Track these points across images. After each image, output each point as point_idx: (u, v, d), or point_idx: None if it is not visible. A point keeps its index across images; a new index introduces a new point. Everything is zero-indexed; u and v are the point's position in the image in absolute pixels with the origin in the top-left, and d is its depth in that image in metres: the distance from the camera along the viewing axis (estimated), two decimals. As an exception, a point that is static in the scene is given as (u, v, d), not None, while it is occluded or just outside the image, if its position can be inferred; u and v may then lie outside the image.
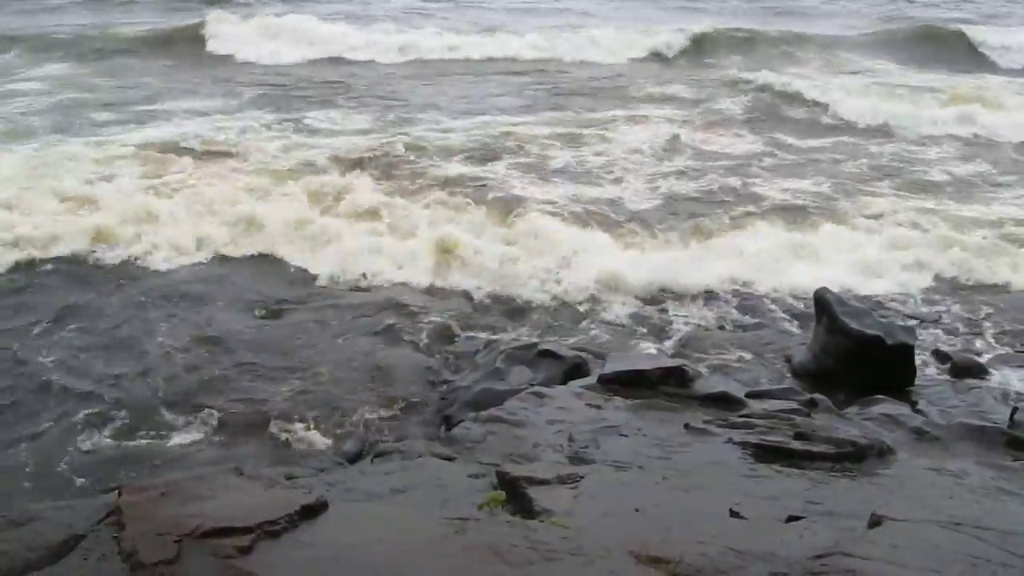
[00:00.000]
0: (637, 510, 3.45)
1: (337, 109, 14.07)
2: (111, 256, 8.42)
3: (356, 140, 12.18)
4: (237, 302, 7.75)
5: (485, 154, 11.71)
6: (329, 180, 10.17)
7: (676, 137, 12.67)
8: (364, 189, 9.89)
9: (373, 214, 9.34)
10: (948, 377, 6.60)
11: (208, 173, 10.37)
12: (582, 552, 2.94)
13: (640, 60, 19.38)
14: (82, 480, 5.29)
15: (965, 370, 6.67)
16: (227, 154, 11.23)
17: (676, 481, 3.86)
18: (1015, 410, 5.39)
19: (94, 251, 8.48)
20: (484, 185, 10.50)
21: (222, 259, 8.63)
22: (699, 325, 7.49)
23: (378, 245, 8.63)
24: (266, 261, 8.65)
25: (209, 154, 11.15)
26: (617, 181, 10.89)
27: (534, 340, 6.74)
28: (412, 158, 11.37)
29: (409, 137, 12.27)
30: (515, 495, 3.55)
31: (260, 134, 12.34)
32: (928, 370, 6.69)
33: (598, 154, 11.92)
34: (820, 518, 3.45)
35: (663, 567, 2.91)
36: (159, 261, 8.43)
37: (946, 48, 20.74)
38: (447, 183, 10.45)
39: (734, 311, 7.74)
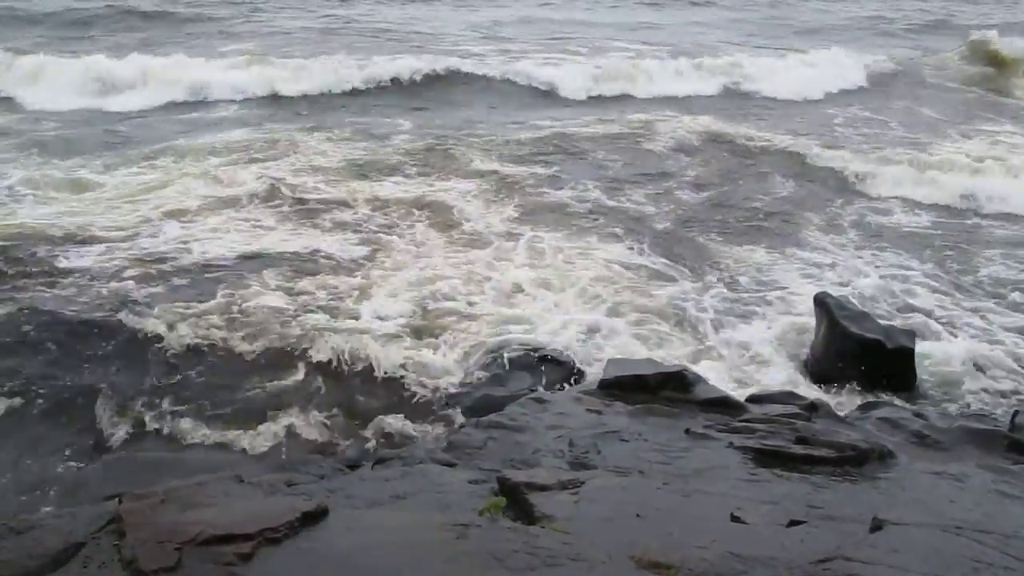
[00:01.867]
0: (638, 515, 3.44)
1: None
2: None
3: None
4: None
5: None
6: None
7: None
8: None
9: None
10: (948, 380, 6.60)
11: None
12: (583, 558, 2.94)
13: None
14: (83, 487, 5.28)
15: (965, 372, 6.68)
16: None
17: (677, 486, 3.85)
18: (1016, 413, 5.38)
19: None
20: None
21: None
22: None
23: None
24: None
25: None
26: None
27: (535, 345, 6.73)
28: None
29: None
30: (516, 501, 3.54)
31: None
32: (929, 373, 6.69)
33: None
34: (821, 522, 3.44)
35: (664, 572, 2.90)
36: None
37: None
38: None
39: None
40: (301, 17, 24.77)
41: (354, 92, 16.24)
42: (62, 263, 8.14)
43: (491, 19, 25.54)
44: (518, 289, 7.93)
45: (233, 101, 15.30)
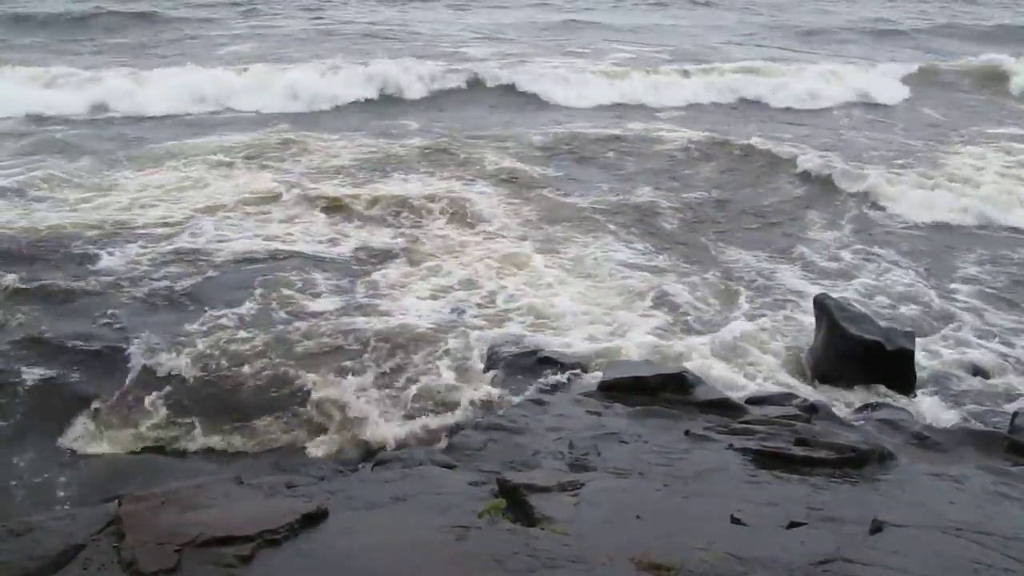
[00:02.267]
0: (638, 517, 3.45)
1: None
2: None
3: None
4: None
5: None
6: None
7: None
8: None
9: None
10: (948, 382, 6.60)
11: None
12: (583, 559, 2.94)
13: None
14: (82, 489, 5.28)
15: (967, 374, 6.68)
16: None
17: (677, 488, 3.86)
18: (1015, 415, 5.38)
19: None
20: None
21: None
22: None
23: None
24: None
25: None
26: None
27: (535, 347, 6.73)
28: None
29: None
30: (516, 502, 3.54)
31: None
32: (928, 374, 6.68)
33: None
34: (821, 524, 3.44)
35: (664, 574, 2.91)
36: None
37: None
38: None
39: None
40: (298, 17, 24.80)
41: (360, 94, 16.20)
42: (89, 263, 8.20)
43: (491, 21, 25.51)
44: (540, 289, 8.02)
45: (236, 107, 15.24)
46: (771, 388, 6.21)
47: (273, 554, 2.93)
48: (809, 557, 3.05)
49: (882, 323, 6.80)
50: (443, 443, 5.48)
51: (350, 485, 4.03)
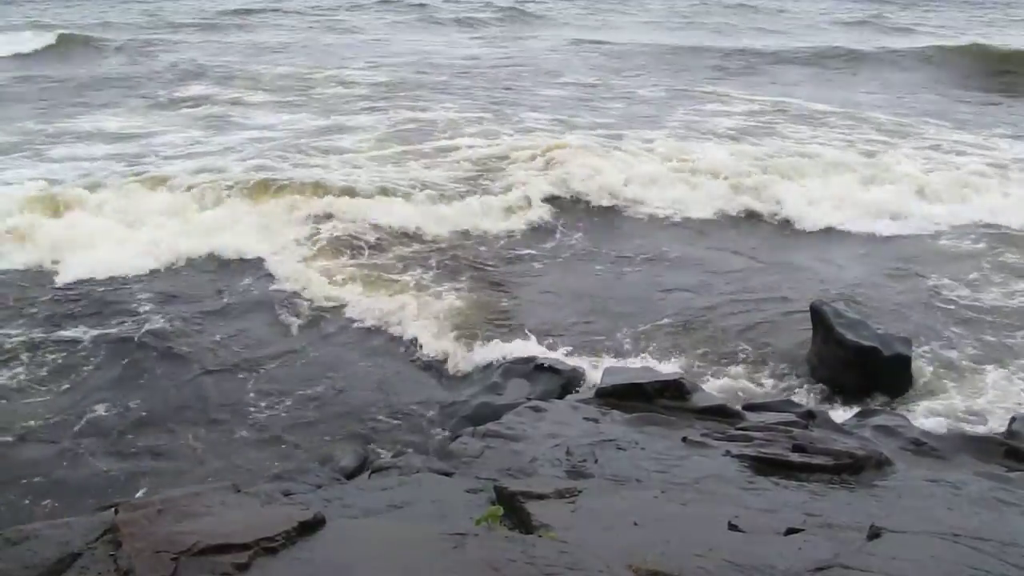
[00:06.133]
0: (636, 524, 3.44)
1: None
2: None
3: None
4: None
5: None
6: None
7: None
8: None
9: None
10: (946, 387, 6.60)
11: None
12: (580, 566, 2.93)
13: None
14: (79, 496, 5.26)
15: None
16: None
17: (674, 494, 3.85)
18: (1013, 420, 5.39)
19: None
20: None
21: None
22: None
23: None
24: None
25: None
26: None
27: (532, 354, 6.73)
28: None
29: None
30: (513, 510, 3.54)
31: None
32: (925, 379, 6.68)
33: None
34: (819, 530, 3.44)
35: (662, 581, 2.90)
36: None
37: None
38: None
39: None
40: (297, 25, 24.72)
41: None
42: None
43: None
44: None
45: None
46: (770, 394, 6.21)
47: (270, 562, 2.92)
48: (807, 564, 3.04)
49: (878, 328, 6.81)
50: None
51: (347, 493, 4.02)
